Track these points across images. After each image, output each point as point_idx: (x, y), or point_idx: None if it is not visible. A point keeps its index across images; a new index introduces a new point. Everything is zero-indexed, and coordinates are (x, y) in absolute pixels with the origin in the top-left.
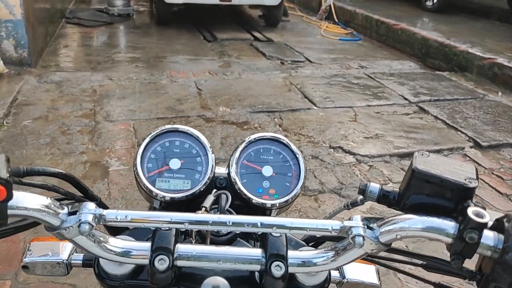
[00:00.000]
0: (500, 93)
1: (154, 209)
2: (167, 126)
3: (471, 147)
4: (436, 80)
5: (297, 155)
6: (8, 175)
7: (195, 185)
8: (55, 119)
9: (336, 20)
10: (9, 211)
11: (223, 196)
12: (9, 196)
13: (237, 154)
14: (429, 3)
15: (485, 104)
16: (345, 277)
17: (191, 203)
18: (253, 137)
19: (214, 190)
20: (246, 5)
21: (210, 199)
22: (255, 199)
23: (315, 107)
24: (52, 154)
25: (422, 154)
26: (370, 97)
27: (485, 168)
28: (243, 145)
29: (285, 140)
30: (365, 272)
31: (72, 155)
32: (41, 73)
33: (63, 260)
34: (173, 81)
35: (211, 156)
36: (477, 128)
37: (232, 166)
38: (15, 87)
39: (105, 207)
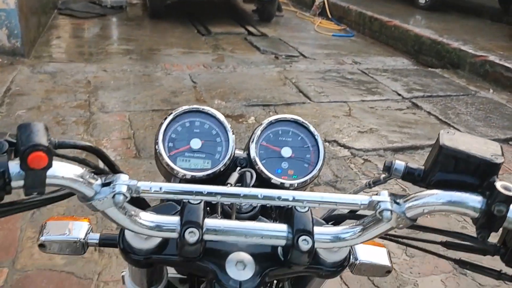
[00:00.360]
0: (491, 90)
1: None
2: (188, 107)
3: None
4: (429, 76)
5: (316, 137)
6: (48, 143)
7: (215, 165)
8: (49, 109)
9: (330, 16)
10: (48, 180)
11: (248, 174)
12: (50, 165)
13: (257, 134)
14: (422, 1)
15: (477, 101)
16: (357, 259)
17: (211, 182)
18: (272, 118)
19: (238, 168)
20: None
21: (234, 176)
22: (275, 179)
23: (310, 101)
24: None
25: (448, 132)
26: (364, 92)
27: None
28: (262, 126)
29: (305, 122)
30: (377, 254)
31: None
32: (34, 63)
33: (80, 239)
34: (167, 74)
35: (232, 137)
36: (469, 124)
37: (252, 147)
38: (8, 77)
39: None
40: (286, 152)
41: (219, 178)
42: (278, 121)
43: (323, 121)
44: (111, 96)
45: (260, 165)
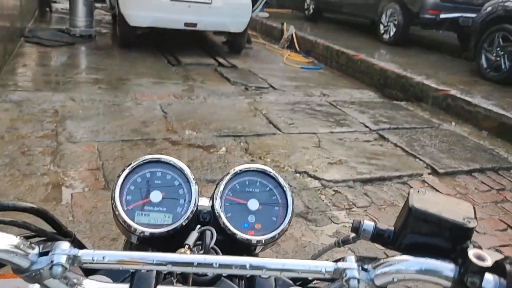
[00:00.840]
0: (453, 123)
1: (131, 244)
2: (148, 156)
3: (429, 173)
4: (394, 109)
5: (285, 188)
6: None
7: (177, 219)
8: (14, 139)
9: (298, 49)
10: None
11: (208, 233)
12: None
13: (221, 186)
14: (386, 36)
15: (440, 133)
16: None
17: (173, 238)
18: (238, 168)
19: (198, 226)
20: (210, 31)
21: (193, 235)
22: (240, 235)
23: (280, 133)
24: (11, 175)
25: (418, 191)
26: (333, 124)
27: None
28: (228, 177)
29: (272, 172)
30: None
31: (33, 176)
32: None
33: None
34: (137, 104)
35: (195, 188)
36: (434, 155)
37: (216, 199)
38: None
39: (80, 244)
40: (253, 204)
41: (180, 233)
42: (244, 171)
43: (293, 152)
44: (80, 126)
45: (224, 220)
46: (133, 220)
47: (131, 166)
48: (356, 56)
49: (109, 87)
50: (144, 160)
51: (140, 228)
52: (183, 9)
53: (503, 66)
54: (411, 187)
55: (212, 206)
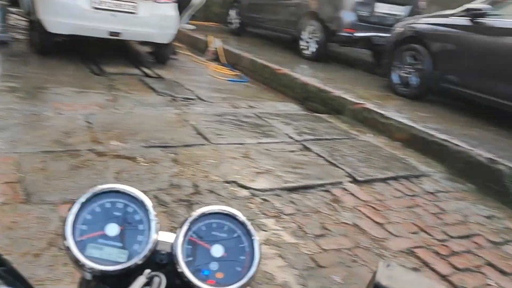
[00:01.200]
0: (370, 134)
1: (87, 282)
2: (111, 186)
3: (349, 181)
4: (316, 121)
5: (253, 237)
6: None
7: (132, 258)
8: None
9: (224, 61)
10: None
11: (156, 280)
12: None
13: (185, 227)
14: (306, 52)
15: (358, 144)
16: None
17: (124, 278)
18: (206, 210)
19: (148, 271)
20: (135, 41)
21: (139, 281)
22: (198, 284)
23: (208, 143)
24: None
25: (388, 266)
26: (260, 135)
27: (362, 201)
28: (193, 216)
29: (243, 218)
30: None
31: None
32: None
33: None
34: (59, 113)
35: (155, 227)
36: (353, 164)
37: (177, 239)
38: None
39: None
40: (217, 250)
41: (136, 272)
42: (212, 213)
43: (222, 163)
44: None
45: (182, 264)
46: (83, 252)
47: (89, 193)
48: (279, 70)
49: (27, 95)
50: (105, 189)
51: (88, 263)
52: (107, 18)
53: (412, 83)
54: (333, 195)
55: (172, 247)
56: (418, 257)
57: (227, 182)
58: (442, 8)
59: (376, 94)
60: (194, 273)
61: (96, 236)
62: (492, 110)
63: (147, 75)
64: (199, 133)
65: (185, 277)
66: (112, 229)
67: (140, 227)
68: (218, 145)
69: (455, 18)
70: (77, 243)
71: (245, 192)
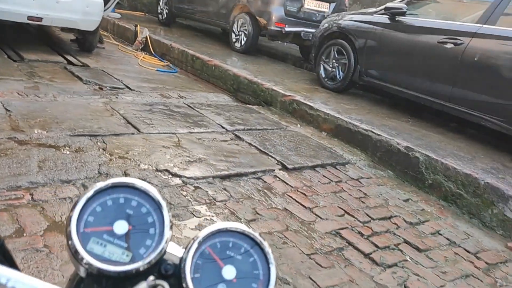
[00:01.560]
0: (298, 125)
1: (80, 279)
2: (131, 180)
3: (279, 169)
4: (248, 112)
5: (270, 264)
6: None
7: (135, 261)
8: None
9: (153, 52)
10: None
11: None
12: None
13: (199, 239)
14: (237, 45)
15: (288, 134)
16: None
17: (124, 282)
18: (224, 225)
19: (152, 277)
20: (58, 28)
21: (141, 287)
22: None
23: (139, 133)
24: None
25: None
26: (192, 125)
27: (292, 187)
28: (209, 230)
29: (264, 243)
30: None
31: None
32: None
33: None
34: None
35: (168, 232)
36: (283, 153)
37: (188, 252)
38: None
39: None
40: (229, 272)
41: (137, 277)
42: (231, 231)
43: (154, 152)
44: None
45: (188, 280)
46: (84, 246)
47: (107, 183)
48: (210, 62)
49: None
50: (123, 182)
51: (87, 258)
52: (26, 2)
53: (338, 76)
54: (265, 182)
55: (181, 259)
56: (343, 238)
57: (159, 170)
58: (364, 6)
59: (304, 87)
60: None
61: (102, 231)
62: (409, 103)
63: (71, 63)
64: (129, 122)
65: None
66: (121, 227)
67: (151, 230)
68: (149, 134)
69: (376, 16)
70: (80, 234)
71: (177, 180)
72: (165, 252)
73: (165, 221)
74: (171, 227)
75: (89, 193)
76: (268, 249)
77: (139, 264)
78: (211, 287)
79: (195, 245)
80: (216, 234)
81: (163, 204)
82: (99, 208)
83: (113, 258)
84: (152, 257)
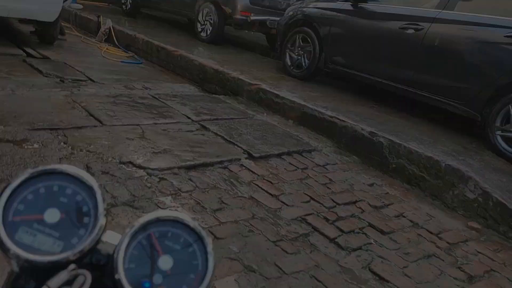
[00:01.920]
0: (265, 114)
1: (16, 275)
2: (66, 167)
3: (246, 158)
4: (214, 102)
5: (209, 254)
6: None
7: (65, 250)
8: None
9: (117, 43)
10: None
11: (79, 280)
12: None
13: (135, 228)
14: (203, 34)
15: (254, 123)
16: None
17: (52, 271)
18: (163, 214)
19: (72, 266)
20: (15, 19)
21: (60, 277)
22: None
23: (102, 125)
24: None
25: None
26: (156, 116)
27: (258, 175)
28: (146, 219)
29: (203, 232)
30: None
31: None
32: None
33: None
34: None
35: (101, 222)
36: (250, 142)
37: (122, 242)
38: None
39: None
40: (166, 262)
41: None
42: (169, 220)
43: (117, 144)
44: None
45: (120, 272)
46: (12, 235)
47: (38, 169)
48: (176, 52)
49: None
50: (58, 169)
51: (13, 249)
52: None
53: (303, 64)
54: (231, 171)
55: (115, 250)
56: (309, 224)
57: (123, 163)
58: None
59: (271, 75)
60: (132, 283)
61: (32, 220)
62: (374, 89)
63: (31, 56)
64: (91, 115)
65: (121, 286)
66: (52, 215)
67: (86, 219)
68: (112, 126)
69: (340, 3)
70: (7, 223)
71: (141, 172)
72: (98, 241)
73: (99, 209)
74: (105, 215)
75: (17, 180)
76: (207, 240)
77: (68, 254)
78: (146, 278)
79: (129, 235)
80: (155, 223)
81: (98, 190)
82: (30, 196)
83: (43, 248)
84: (82, 246)
